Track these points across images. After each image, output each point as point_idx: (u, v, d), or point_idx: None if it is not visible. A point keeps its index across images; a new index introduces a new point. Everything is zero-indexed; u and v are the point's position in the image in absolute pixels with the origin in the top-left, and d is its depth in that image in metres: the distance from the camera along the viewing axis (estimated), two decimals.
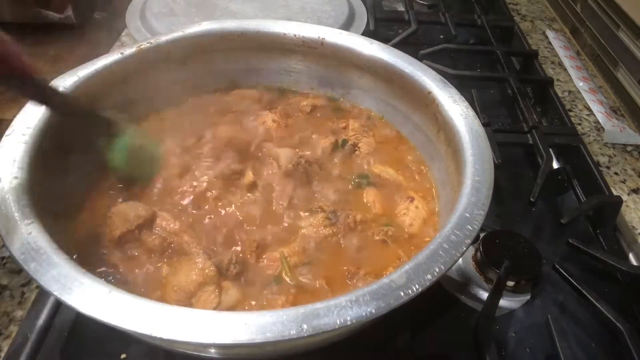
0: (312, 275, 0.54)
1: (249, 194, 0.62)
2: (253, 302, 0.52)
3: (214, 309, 0.50)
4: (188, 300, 0.51)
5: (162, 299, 0.51)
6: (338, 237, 0.58)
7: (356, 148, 0.71)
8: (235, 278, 0.54)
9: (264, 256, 0.56)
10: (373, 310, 0.39)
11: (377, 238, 0.59)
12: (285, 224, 0.60)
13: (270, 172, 0.65)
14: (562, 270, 0.65)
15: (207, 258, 0.53)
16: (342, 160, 0.69)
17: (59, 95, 0.54)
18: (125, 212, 0.56)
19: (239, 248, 0.56)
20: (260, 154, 0.67)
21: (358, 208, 0.62)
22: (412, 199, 0.63)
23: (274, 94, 0.79)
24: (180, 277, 0.52)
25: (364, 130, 0.73)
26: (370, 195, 0.64)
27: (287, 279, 0.54)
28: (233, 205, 0.61)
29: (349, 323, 0.38)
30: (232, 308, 0.51)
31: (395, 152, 0.71)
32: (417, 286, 0.41)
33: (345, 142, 0.71)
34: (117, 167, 0.59)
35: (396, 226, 0.60)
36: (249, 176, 0.63)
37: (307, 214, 0.61)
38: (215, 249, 0.56)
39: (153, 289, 0.52)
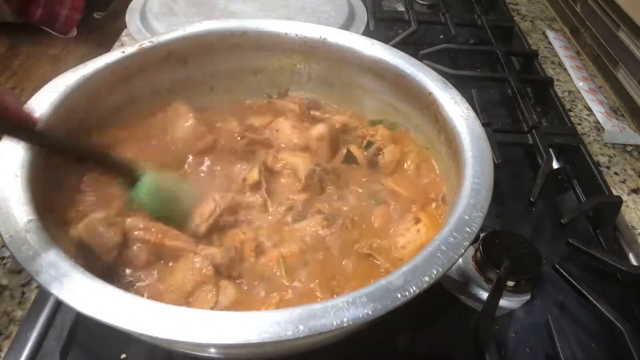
0: (309, 276, 0.54)
1: (250, 194, 0.62)
2: (250, 302, 0.52)
3: (212, 308, 0.50)
4: (185, 299, 0.51)
5: (160, 298, 0.51)
6: (334, 240, 0.57)
7: (380, 152, 0.67)
8: (233, 277, 0.53)
9: (262, 257, 0.56)
10: (370, 312, 0.39)
11: (364, 251, 0.57)
12: (285, 226, 0.60)
13: (283, 180, 0.64)
14: (562, 270, 0.65)
15: (204, 257, 0.53)
16: (359, 167, 0.66)
17: (65, 143, 0.53)
18: (102, 240, 0.52)
19: (237, 247, 0.56)
20: (272, 158, 0.65)
21: (360, 220, 0.61)
22: (417, 221, 0.58)
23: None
24: (177, 277, 0.52)
25: (392, 139, 0.69)
26: (377, 211, 0.62)
27: (284, 280, 0.54)
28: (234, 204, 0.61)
29: (345, 324, 0.38)
30: (229, 307, 0.51)
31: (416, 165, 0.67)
32: (414, 288, 0.41)
33: (370, 144, 0.68)
34: (144, 209, 0.55)
35: (389, 244, 0.57)
36: (254, 175, 0.62)
37: (306, 216, 0.60)
38: (213, 247, 0.56)
39: (151, 286, 0.52)
